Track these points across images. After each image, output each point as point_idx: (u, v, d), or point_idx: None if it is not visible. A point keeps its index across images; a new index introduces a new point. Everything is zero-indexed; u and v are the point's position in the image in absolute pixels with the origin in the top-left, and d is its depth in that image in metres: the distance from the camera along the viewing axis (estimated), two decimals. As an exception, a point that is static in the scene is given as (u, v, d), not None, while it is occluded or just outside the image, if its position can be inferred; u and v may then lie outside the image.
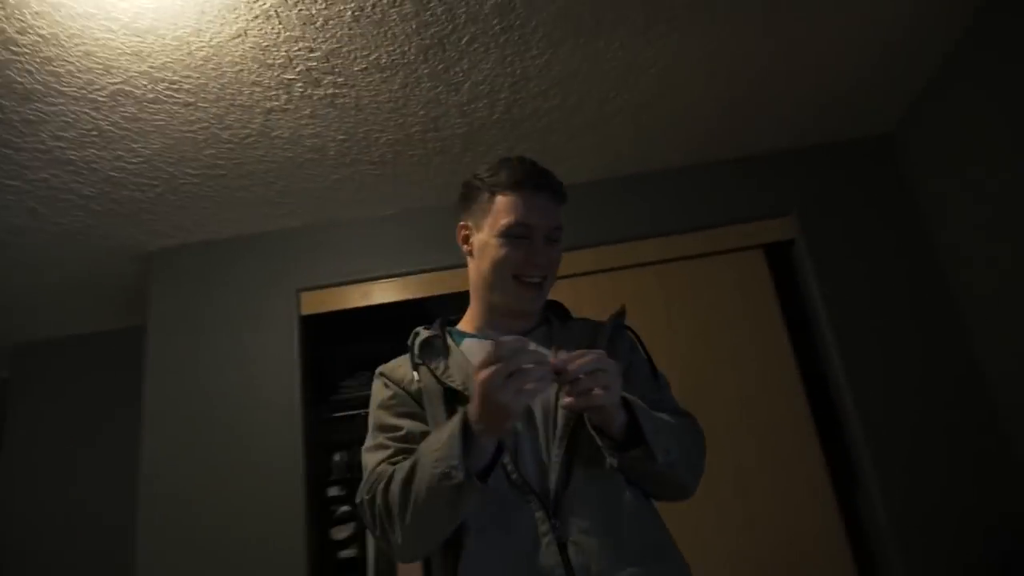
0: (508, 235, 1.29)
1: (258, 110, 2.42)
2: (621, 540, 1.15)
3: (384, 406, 1.33)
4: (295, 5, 2.00)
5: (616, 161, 3.05)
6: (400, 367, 1.38)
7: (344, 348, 3.64)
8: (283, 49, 2.16)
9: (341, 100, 2.43)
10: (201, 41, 2.08)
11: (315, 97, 2.40)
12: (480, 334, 1.37)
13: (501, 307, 1.35)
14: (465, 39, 2.22)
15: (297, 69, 2.26)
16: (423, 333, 1.38)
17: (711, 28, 2.32)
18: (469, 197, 1.37)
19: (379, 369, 1.41)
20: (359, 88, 2.38)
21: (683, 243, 3.04)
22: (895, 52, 2.57)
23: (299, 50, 2.18)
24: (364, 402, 3.37)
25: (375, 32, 2.15)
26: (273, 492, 2.82)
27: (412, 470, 1.11)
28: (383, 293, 3.11)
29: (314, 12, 2.04)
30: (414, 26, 2.14)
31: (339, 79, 2.33)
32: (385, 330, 3.68)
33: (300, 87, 2.34)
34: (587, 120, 2.72)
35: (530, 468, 1.20)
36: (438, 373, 1.29)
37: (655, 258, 3.03)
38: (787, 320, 2.96)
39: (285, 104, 2.41)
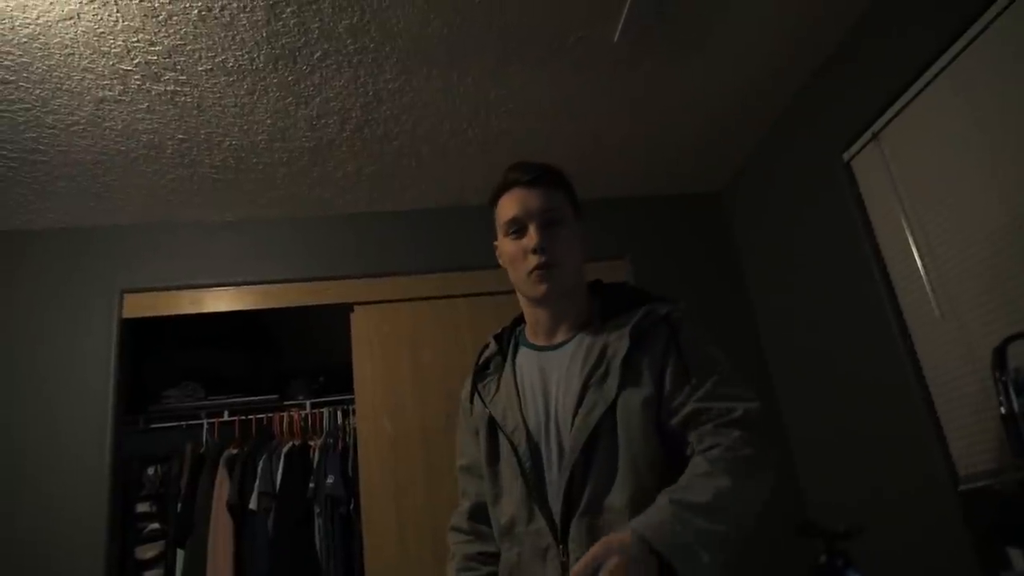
0: (509, 234, 1.35)
1: (89, 98, 2.28)
2: None
3: (462, 421, 1.47)
4: (136, -5, 1.93)
5: (464, 191, 3.12)
6: (466, 385, 1.45)
7: (172, 355, 3.46)
8: (120, 38, 2.07)
9: (182, 98, 2.34)
10: (27, 17, 1.95)
11: (154, 92, 2.30)
12: (529, 344, 1.40)
13: (539, 306, 1.37)
14: (317, 54, 2.21)
15: (135, 61, 2.16)
16: (489, 348, 1.44)
17: (561, 77, 2.45)
18: (492, 216, 1.42)
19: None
20: (202, 88, 2.31)
21: (523, 276, 3.14)
22: (721, 126, 2.82)
23: (138, 42, 2.09)
24: (187, 414, 3.32)
25: (222, 34, 2.10)
26: (73, 507, 2.61)
27: None
28: (215, 302, 2.99)
29: (157, 5, 1.97)
30: (264, 34, 2.11)
31: (181, 77, 2.25)
32: (217, 339, 3.57)
33: (138, 79, 2.24)
34: (437, 149, 2.77)
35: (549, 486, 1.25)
36: (487, 400, 1.36)
37: (494, 288, 3.09)
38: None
39: (120, 95, 2.29)
